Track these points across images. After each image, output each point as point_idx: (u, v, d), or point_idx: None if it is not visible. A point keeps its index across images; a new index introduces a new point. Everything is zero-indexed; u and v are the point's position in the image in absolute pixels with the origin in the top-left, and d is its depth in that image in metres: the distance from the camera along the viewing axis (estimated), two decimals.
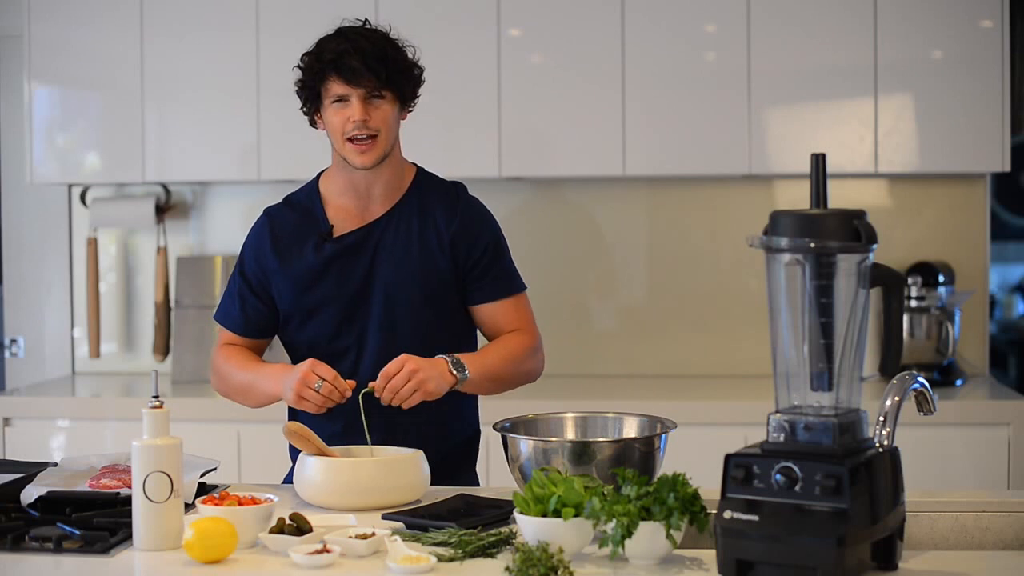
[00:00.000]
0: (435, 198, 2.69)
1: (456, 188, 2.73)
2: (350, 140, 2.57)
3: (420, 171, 2.74)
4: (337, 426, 2.61)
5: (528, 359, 2.71)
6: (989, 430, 3.98)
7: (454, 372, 2.54)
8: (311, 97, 2.61)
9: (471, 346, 2.74)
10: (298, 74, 2.63)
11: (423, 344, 2.61)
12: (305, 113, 2.66)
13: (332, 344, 2.63)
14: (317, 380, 2.46)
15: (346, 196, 2.67)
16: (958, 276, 4.54)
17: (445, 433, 2.70)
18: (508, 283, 2.72)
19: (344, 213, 2.67)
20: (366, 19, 2.67)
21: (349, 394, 2.49)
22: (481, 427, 2.82)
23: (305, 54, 2.62)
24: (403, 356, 2.51)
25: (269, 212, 2.73)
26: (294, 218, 2.69)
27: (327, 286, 2.64)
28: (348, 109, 2.56)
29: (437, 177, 2.74)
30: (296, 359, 2.69)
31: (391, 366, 2.50)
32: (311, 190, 2.72)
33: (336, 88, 2.56)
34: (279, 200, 2.75)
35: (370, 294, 2.64)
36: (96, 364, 4.90)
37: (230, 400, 2.74)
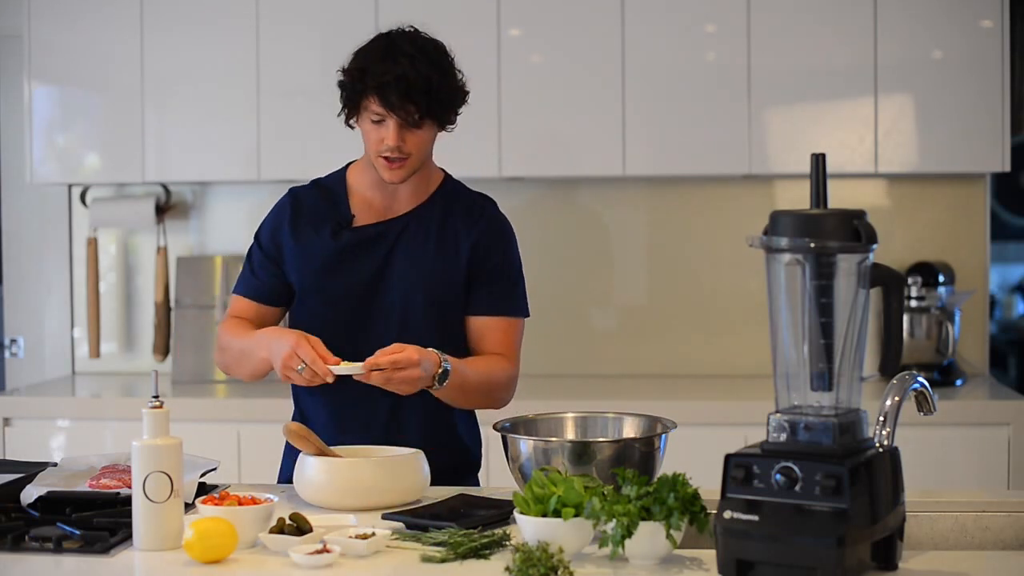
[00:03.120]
0: (460, 206, 2.68)
1: (484, 200, 2.72)
2: (382, 156, 2.57)
3: (448, 178, 2.73)
4: (334, 431, 2.61)
5: (502, 389, 2.66)
6: (989, 430, 3.98)
7: (437, 382, 2.50)
8: (350, 105, 2.60)
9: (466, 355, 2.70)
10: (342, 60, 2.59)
11: (428, 344, 2.59)
12: (342, 113, 2.63)
13: (338, 328, 2.61)
14: (299, 363, 2.42)
15: (372, 190, 2.68)
16: (958, 276, 4.54)
17: (453, 436, 2.69)
18: (508, 303, 2.69)
19: (367, 206, 2.68)
20: (415, 28, 2.64)
21: (331, 379, 2.43)
22: (483, 429, 2.80)
23: (352, 62, 2.59)
24: (412, 350, 2.45)
25: (293, 191, 2.72)
26: (318, 200, 2.69)
27: (339, 272, 2.63)
28: (384, 130, 2.55)
29: (466, 186, 2.74)
30: None
31: (398, 356, 2.43)
32: (339, 178, 2.73)
33: (375, 108, 2.54)
34: (283, 197, 2.73)
35: (382, 288, 2.63)
36: (96, 364, 4.90)
37: (231, 374, 2.70)
